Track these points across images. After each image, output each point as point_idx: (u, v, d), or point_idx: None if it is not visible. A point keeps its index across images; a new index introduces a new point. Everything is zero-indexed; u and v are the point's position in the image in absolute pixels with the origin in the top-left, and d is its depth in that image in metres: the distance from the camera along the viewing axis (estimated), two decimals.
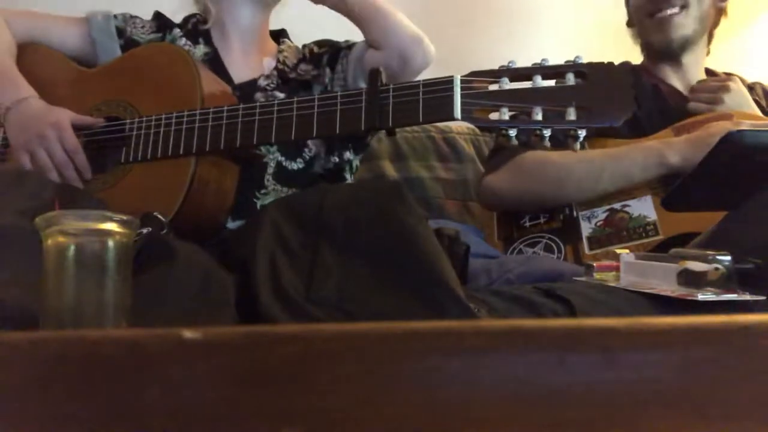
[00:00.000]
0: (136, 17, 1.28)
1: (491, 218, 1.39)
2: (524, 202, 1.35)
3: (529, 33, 2.00)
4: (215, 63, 1.21)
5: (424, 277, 0.71)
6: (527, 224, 1.33)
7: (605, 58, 0.99)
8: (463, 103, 0.87)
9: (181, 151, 0.99)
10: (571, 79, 0.85)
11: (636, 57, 1.57)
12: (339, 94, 0.94)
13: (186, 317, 0.67)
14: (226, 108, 0.99)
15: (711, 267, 0.76)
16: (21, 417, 0.39)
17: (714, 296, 0.73)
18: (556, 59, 0.89)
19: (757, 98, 1.46)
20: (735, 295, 0.74)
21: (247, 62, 1.24)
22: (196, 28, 1.26)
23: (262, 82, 1.20)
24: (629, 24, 1.56)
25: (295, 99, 0.96)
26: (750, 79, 1.55)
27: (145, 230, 0.70)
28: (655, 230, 1.20)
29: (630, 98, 0.83)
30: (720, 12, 1.50)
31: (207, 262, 0.77)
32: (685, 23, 1.42)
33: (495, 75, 0.88)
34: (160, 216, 0.80)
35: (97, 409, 0.39)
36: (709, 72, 1.53)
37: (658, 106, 1.40)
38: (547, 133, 0.84)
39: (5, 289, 0.59)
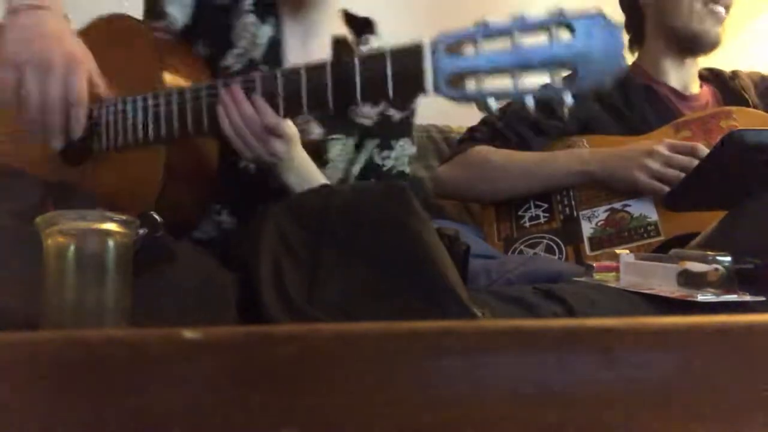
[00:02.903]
0: None
1: (491, 218, 1.39)
2: (464, 194, 1.47)
3: None
4: (274, 52, 1.05)
5: (429, 282, 0.71)
6: (527, 224, 1.33)
7: None
8: (435, 74, 0.77)
9: (151, 139, 0.90)
10: (555, 35, 0.75)
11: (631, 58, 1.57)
12: (303, 67, 0.85)
13: (186, 318, 0.67)
14: (189, 88, 0.89)
15: (711, 268, 0.76)
16: (21, 417, 0.39)
17: (714, 297, 0.73)
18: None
19: (740, 87, 1.47)
20: (735, 296, 0.73)
21: (307, 57, 1.03)
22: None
23: None
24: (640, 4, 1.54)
25: (258, 75, 0.86)
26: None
27: (141, 231, 0.69)
28: (657, 230, 1.20)
29: (619, 56, 0.74)
30: None
31: (207, 262, 0.77)
32: (722, 25, 1.43)
33: (469, 35, 0.77)
34: (155, 216, 0.79)
35: (97, 409, 0.39)
36: (711, 70, 1.54)
37: (652, 106, 1.40)
38: (530, 100, 0.75)
39: (4, 291, 0.59)
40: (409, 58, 0.78)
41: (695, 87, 1.49)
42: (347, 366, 0.41)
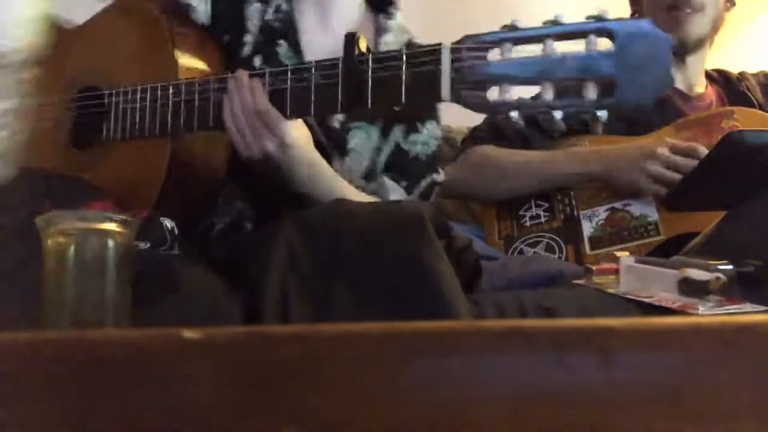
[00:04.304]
0: None
1: (492, 217, 1.40)
2: (467, 194, 1.48)
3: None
4: (287, 28, 1.02)
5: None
6: (528, 224, 1.33)
7: None
8: (453, 80, 0.71)
9: (158, 131, 0.91)
10: (593, 42, 0.66)
11: None
12: (313, 65, 0.81)
13: None
14: (197, 81, 0.89)
15: (713, 276, 0.75)
16: (21, 417, 0.39)
17: (715, 308, 0.73)
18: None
19: (746, 88, 1.47)
20: (736, 307, 0.73)
21: (325, 38, 1.03)
22: None
23: None
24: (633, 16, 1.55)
25: (267, 70, 0.84)
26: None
27: (142, 245, 0.67)
28: (657, 230, 1.20)
29: (668, 70, 0.65)
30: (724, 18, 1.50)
31: (213, 288, 0.75)
32: (701, 23, 1.42)
33: (495, 40, 0.70)
34: (166, 223, 0.77)
35: (97, 409, 0.39)
36: (718, 71, 1.54)
37: (655, 106, 1.40)
38: (559, 115, 0.68)
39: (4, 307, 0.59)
40: (426, 61, 0.73)
41: (700, 87, 1.49)
42: (348, 366, 0.41)
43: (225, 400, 0.40)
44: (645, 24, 0.66)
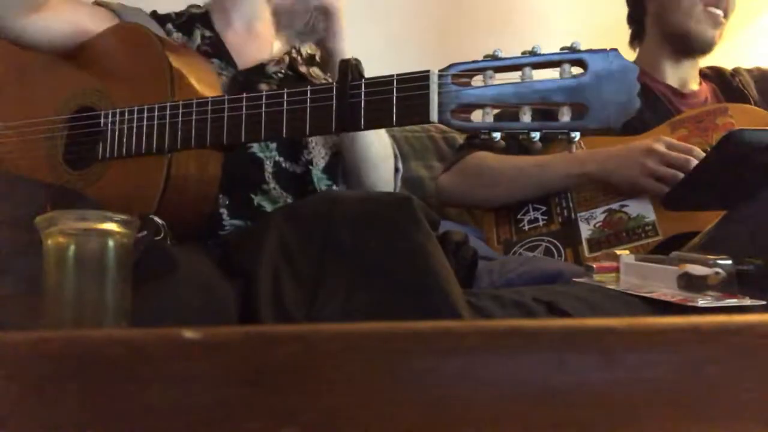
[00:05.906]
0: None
1: (491, 222, 1.40)
2: (466, 201, 1.49)
3: (528, 31, 1.99)
4: (216, 47, 1.14)
5: (432, 300, 0.70)
6: (526, 227, 1.33)
7: None
8: (440, 104, 0.77)
9: (154, 149, 0.93)
10: (567, 70, 0.74)
11: (631, 56, 1.57)
12: (309, 89, 0.86)
13: None
14: (195, 101, 0.92)
15: (711, 271, 0.76)
16: (21, 417, 0.39)
17: (714, 302, 0.73)
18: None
19: (741, 84, 1.48)
20: (735, 300, 0.73)
21: (254, 44, 1.15)
22: (191, 16, 1.19)
23: (271, 68, 1.13)
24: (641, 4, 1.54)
25: (264, 93, 0.88)
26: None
27: (140, 234, 0.68)
28: (654, 230, 1.19)
29: (633, 97, 0.73)
30: None
31: (209, 273, 0.76)
32: (721, 29, 1.43)
33: (478, 68, 0.77)
34: (157, 219, 0.79)
35: (97, 409, 0.39)
36: (712, 68, 1.54)
37: (649, 105, 1.40)
38: (536, 136, 0.75)
39: (4, 308, 0.59)
40: (415, 86, 0.78)
41: (694, 84, 1.49)
42: (347, 366, 0.41)
43: (225, 400, 0.40)
44: (613, 54, 0.73)
